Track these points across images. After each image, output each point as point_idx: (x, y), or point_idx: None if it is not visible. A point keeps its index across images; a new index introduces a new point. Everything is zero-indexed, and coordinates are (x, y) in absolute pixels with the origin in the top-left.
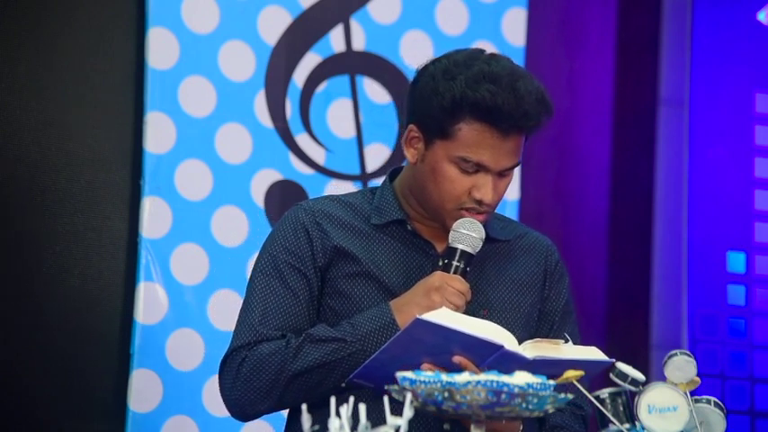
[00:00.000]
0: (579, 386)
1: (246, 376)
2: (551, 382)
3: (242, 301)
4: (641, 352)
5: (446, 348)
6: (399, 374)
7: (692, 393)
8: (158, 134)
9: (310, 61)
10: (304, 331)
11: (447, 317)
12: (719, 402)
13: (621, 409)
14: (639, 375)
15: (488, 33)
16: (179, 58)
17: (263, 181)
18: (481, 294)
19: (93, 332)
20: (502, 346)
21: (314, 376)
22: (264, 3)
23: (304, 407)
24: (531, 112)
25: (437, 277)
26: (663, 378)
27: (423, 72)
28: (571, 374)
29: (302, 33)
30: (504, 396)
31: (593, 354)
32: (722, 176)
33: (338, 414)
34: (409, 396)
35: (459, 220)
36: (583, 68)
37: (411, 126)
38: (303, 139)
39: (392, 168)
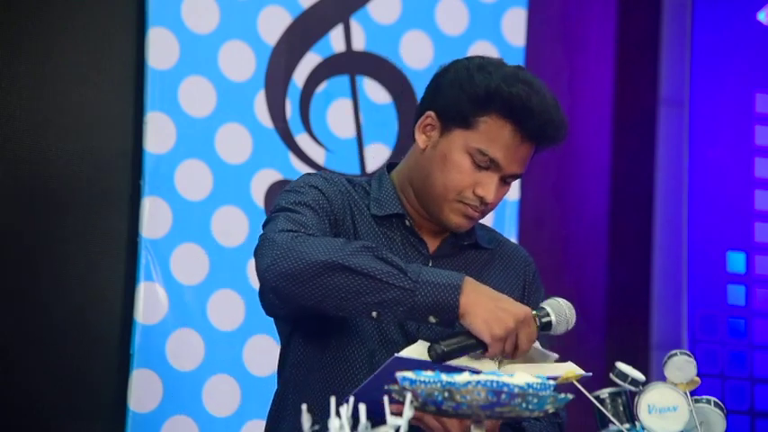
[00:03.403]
0: (579, 386)
1: (300, 246)
2: (551, 382)
3: (267, 221)
4: (641, 352)
5: None
6: (399, 374)
7: (692, 393)
8: (158, 134)
9: (310, 61)
10: None
11: (420, 352)
12: (719, 402)
13: (621, 409)
14: (639, 375)
15: (488, 33)
16: (179, 58)
17: (264, 181)
18: None
19: (93, 332)
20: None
21: (354, 283)
22: (264, 3)
23: (304, 407)
24: (555, 121)
25: (527, 312)
26: (663, 378)
27: (454, 64)
28: (571, 375)
29: (302, 33)
30: (504, 396)
31: (571, 369)
32: (722, 176)
33: (338, 414)
34: (409, 396)
35: (566, 304)
36: (583, 68)
37: (429, 113)
38: (303, 139)
39: (389, 161)
